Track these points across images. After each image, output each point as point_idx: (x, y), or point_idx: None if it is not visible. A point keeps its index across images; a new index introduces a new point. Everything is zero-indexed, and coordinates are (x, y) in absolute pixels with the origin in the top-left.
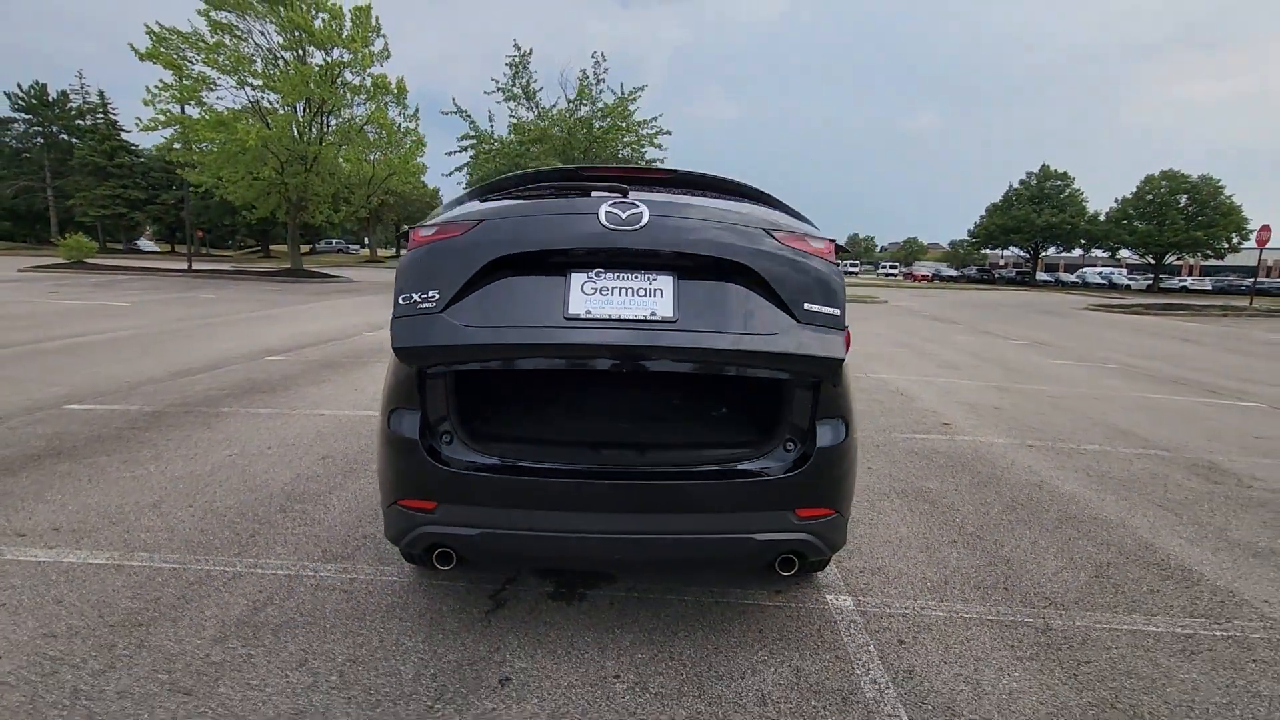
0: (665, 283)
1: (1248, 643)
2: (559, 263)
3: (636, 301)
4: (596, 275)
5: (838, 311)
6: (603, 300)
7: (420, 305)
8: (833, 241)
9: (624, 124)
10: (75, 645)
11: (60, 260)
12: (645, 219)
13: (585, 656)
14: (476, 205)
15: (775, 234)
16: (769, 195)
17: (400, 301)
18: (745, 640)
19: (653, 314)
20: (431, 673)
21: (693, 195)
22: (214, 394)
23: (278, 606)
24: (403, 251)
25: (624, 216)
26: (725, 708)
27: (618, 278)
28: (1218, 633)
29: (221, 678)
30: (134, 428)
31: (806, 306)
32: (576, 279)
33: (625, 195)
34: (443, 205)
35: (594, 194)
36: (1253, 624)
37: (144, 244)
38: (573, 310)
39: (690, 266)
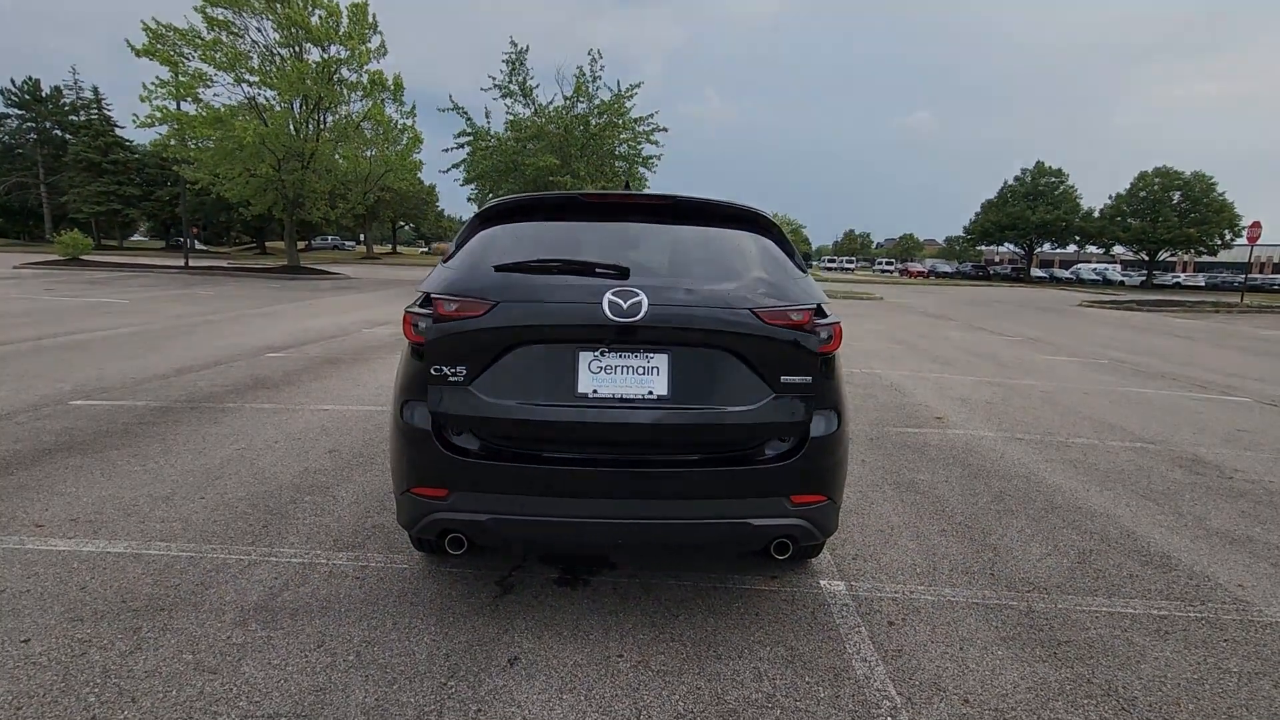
0: (661, 361)
1: (1220, 623)
2: (569, 341)
3: (636, 379)
4: (602, 355)
5: (810, 379)
6: (607, 378)
7: (450, 379)
8: (811, 309)
9: (620, 121)
10: (102, 629)
11: (56, 257)
12: (644, 309)
13: (590, 638)
14: (490, 271)
15: (759, 312)
16: (762, 217)
17: (432, 372)
18: (743, 623)
19: (650, 393)
20: (444, 653)
21: (690, 228)
22: (218, 390)
23: (293, 592)
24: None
25: (625, 307)
26: (723, 684)
27: (620, 356)
28: (1192, 614)
29: (244, 658)
30: (141, 423)
31: (784, 379)
32: (584, 357)
33: (627, 277)
34: (453, 242)
35: (598, 271)
36: (1225, 606)
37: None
38: (581, 389)
39: (683, 344)
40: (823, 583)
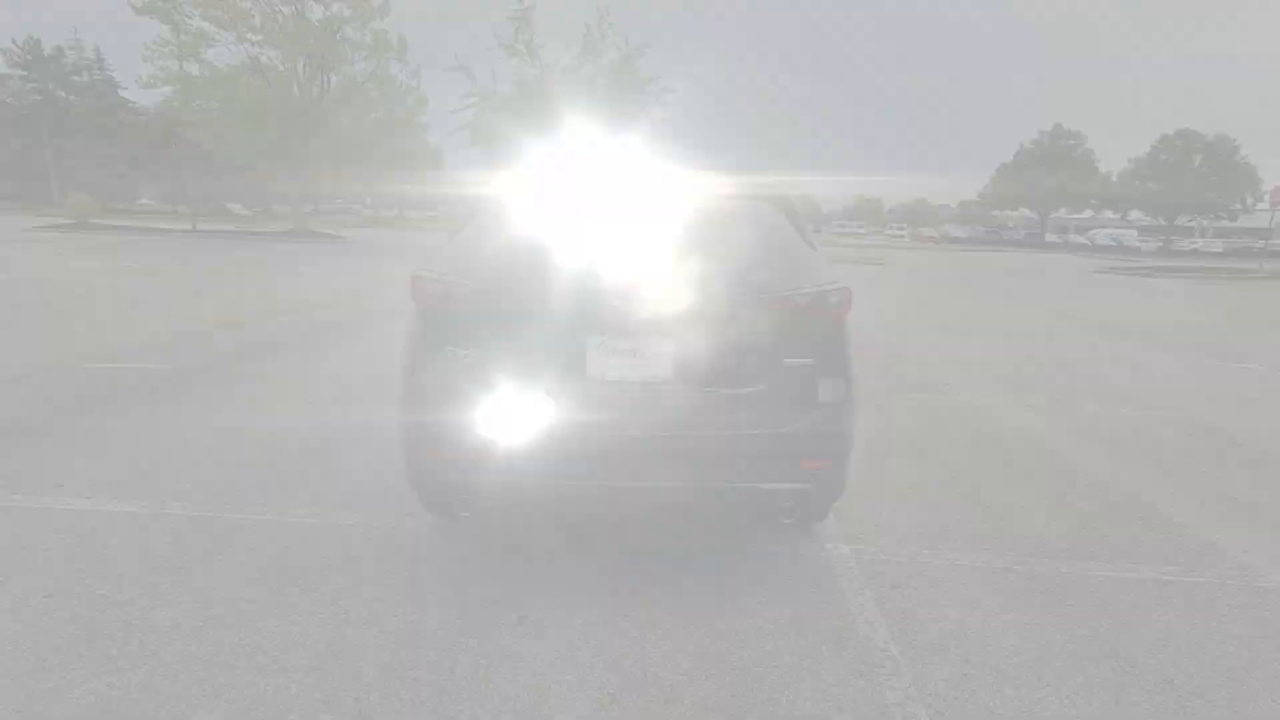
0: (668, 345)
1: (1224, 588)
2: (578, 326)
3: (644, 363)
4: (611, 339)
5: (812, 361)
6: (616, 362)
7: (463, 359)
8: (818, 291)
9: (628, 78)
10: (122, 585)
11: (64, 220)
12: (651, 294)
13: (597, 597)
14: (499, 254)
15: (765, 296)
16: (775, 192)
17: (446, 352)
18: (748, 585)
19: (657, 375)
20: (454, 612)
21: (701, 202)
22: (231, 352)
23: (307, 552)
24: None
25: (632, 293)
26: (728, 643)
27: (628, 340)
28: (1195, 579)
29: (260, 614)
30: (155, 386)
31: (786, 361)
32: (593, 340)
33: (634, 263)
34: (462, 217)
35: (606, 258)
36: (1229, 571)
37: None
38: (591, 371)
39: (690, 328)
40: (829, 546)
